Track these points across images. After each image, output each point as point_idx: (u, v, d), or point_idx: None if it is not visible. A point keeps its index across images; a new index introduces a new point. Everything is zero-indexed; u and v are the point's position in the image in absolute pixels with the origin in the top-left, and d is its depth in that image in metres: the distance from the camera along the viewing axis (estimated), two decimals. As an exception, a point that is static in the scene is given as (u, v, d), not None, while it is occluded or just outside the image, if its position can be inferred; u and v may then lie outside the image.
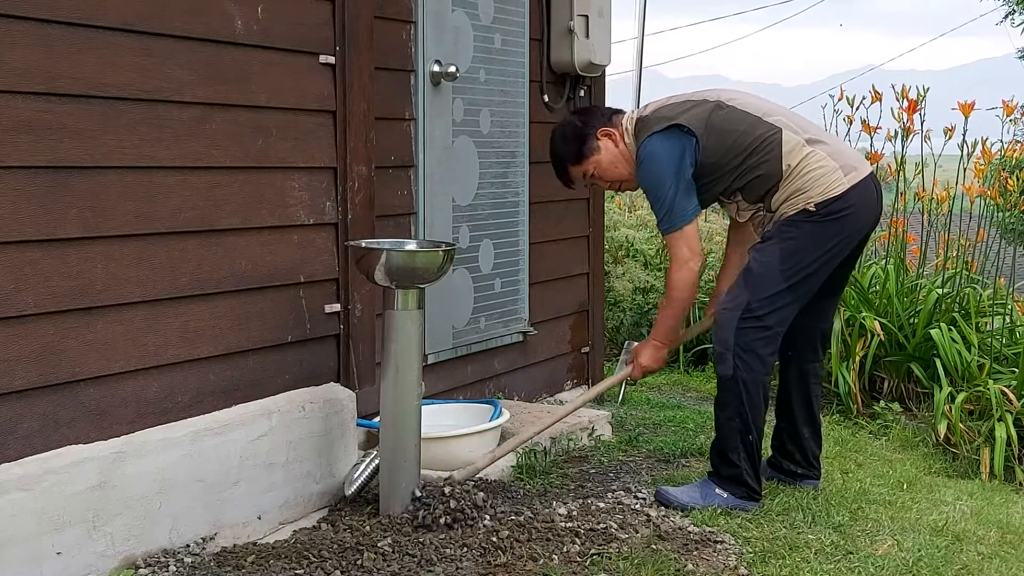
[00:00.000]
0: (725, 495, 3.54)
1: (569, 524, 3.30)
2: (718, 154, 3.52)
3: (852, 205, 3.49)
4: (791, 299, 3.51)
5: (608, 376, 4.02)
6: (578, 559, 3.06)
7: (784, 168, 3.49)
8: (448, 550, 3.06)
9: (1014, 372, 5.07)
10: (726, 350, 3.50)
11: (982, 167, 5.83)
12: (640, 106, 3.77)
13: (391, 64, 4.00)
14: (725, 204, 3.69)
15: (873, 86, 5.89)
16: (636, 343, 4.02)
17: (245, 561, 3.01)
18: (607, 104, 5.54)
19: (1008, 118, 5.91)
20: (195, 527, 3.10)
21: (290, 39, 3.41)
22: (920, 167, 5.96)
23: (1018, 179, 5.94)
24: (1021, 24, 17.27)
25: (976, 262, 5.80)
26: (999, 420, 4.74)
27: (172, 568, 2.93)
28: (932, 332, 5.19)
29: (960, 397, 4.88)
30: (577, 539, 3.18)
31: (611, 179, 3.76)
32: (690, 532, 3.29)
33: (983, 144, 5.82)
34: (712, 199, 3.67)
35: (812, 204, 3.47)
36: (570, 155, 3.75)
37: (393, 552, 3.05)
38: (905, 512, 3.72)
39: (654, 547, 3.14)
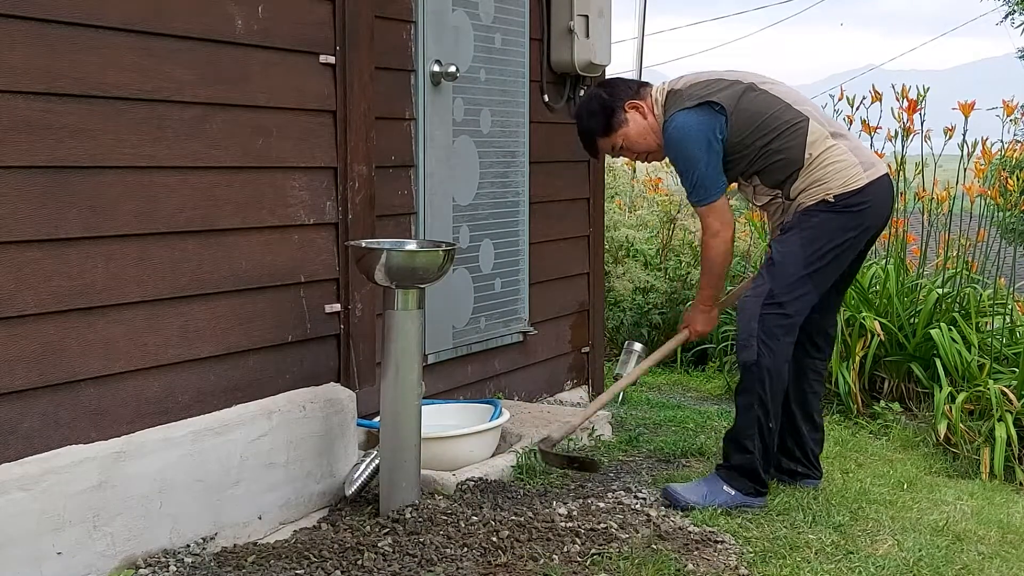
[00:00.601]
0: (732, 492, 3.55)
1: (569, 524, 3.30)
2: (744, 133, 3.57)
3: (869, 200, 3.56)
4: (810, 287, 3.57)
5: (612, 375, 4.04)
6: (578, 559, 3.06)
7: (806, 156, 3.55)
8: (448, 550, 3.06)
9: (1014, 372, 5.07)
10: (750, 336, 3.55)
11: (982, 167, 5.83)
12: (675, 78, 3.81)
13: (391, 64, 4.00)
14: (742, 187, 3.73)
15: (873, 86, 5.90)
16: (636, 343, 4.04)
17: (245, 561, 3.01)
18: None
19: (1008, 118, 5.91)
20: (195, 527, 3.10)
21: (290, 39, 3.41)
22: (920, 167, 5.96)
23: (1018, 179, 5.93)
24: (1021, 25, 17.25)
25: (976, 262, 5.80)
26: (999, 420, 4.74)
27: (172, 568, 2.93)
28: (932, 332, 5.19)
29: (960, 397, 4.88)
30: (577, 539, 3.18)
31: (640, 150, 3.81)
32: (690, 532, 3.29)
33: (983, 144, 5.83)
34: (731, 179, 3.70)
35: (831, 195, 3.53)
36: (598, 128, 3.79)
37: (393, 552, 3.05)
38: (905, 512, 3.72)
39: (654, 547, 3.14)
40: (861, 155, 3.62)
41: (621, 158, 4.04)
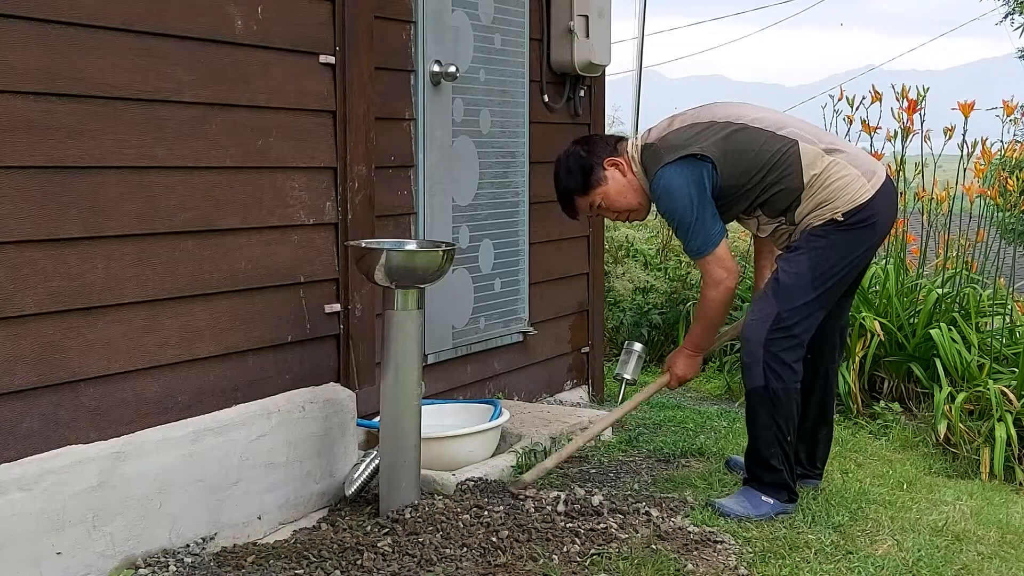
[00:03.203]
0: (772, 502, 3.53)
1: (569, 524, 3.30)
2: (736, 175, 3.48)
3: (877, 211, 3.49)
4: (819, 307, 3.51)
5: (636, 390, 4.01)
6: (578, 559, 3.06)
7: (806, 180, 3.46)
8: (448, 550, 3.06)
9: (1014, 372, 5.07)
10: (754, 361, 3.49)
11: (982, 167, 5.83)
12: (644, 131, 3.72)
13: (391, 64, 4.01)
14: (744, 220, 3.65)
15: (873, 86, 5.89)
16: (636, 343, 4.03)
17: (245, 561, 3.01)
18: (606, 104, 5.55)
19: (1008, 118, 5.92)
20: (195, 527, 3.10)
21: (290, 39, 3.41)
22: (920, 167, 5.96)
23: (1018, 179, 5.94)
24: (1019, 27, 17.24)
25: (976, 262, 5.80)
26: (999, 420, 4.74)
27: (172, 568, 2.93)
28: (932, 332, 5.19)
29: (960, 397, 4.88)
30: (577, 539, 3.18)
31: (619, 209, 3.70)
32: (690, 532, 3.29)
33: (983, 144, 5.83)
34: (731, 218, 3.62)
35: (839, 214, 3.45)
36: (576, 186, 3.67)
37: (393, 552, 3.05)
38: (905, 512, 3.72)
39: (654, 547, 3.14)
40: (861, 165, 3.52)
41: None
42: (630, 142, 3.69)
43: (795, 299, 3.47)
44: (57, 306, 2.78)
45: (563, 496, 3.61)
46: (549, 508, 3.44)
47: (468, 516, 3.32)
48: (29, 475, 2.67)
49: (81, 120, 2.82)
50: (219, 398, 3.24)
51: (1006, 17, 17.46)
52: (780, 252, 3.64)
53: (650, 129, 3.69)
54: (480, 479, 3.66)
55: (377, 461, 3.46)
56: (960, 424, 4.81)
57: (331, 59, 3.55)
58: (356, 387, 3.68)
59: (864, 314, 5.27)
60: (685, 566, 3.04)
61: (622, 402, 5.04)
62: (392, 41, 4.02)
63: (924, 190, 6.00)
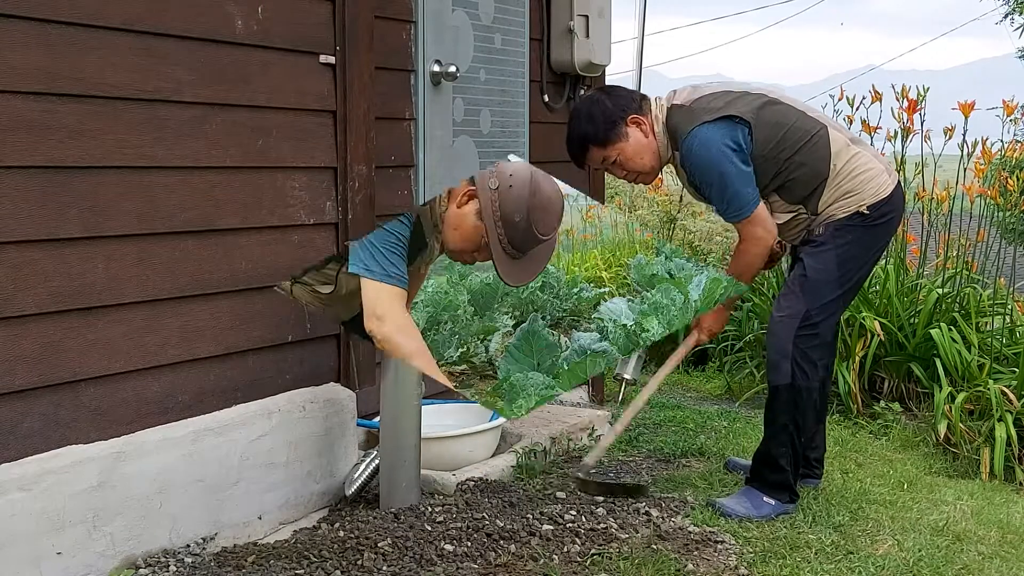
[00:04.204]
0: (773, 503, 3.53)
1: (569, 524, 3.30)
2: (767, 146, 3.43)
3: (895, 208, 3.50)
4: (842, 304, 3.53)
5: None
6: (578, 559, 3.06)
7: (831, 167, 3.44)
8: (448, 550, 3.06)
9: (1014, 372, 5.06)
10: (783, 358, 3.47)
11: (982, 167, 5.83)
12: (668, 93, 3.62)
13: (391, 64, 4.00)
14: None
15: (873, 86, 5.89)
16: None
17: (245, 561, 3.01)
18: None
19: (1008, 118, 5.91)
20: (195, 527, 3.10)
21: (290, 39, 3.41)
22: (920, 167, 5.95)
23: (1018, 179, 5.93)
24: (1019, 27, 17.27)
25: (976, 262, 5.80)
26: (999, 420, 4.74)
27: (172, 568, 2.93)
28: (932, 332, 5.19)
29: (960, 397, 4.88)
30: (577, 539, 3.18)
31: (631, 169, 3.59)
32: (690, 532, 3.30)
33: (983, 144, 5.82)
34: None
35: (865, 207, 3.44)
36: (595, 136, 3.54)
37: (393, 552, 3.06)
38: (905, 512, 3.72)
39: (654, 547, 3.14)
40: (881, 160, 3.54)
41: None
42: (654, 102, 3.59)
43: (823, 296, 3.46)
44: (57, 306, 2.78)
45: (563, 496, 3.61)
46: (549, 508, 3.45)
47: (468, 516, 3.32)
48: (29, 475, 2.67)
49: (81, 120, 2.82)
50: (219, 398, 3.24)
51: (1006, 17, 17.47)
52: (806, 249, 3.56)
53: (675, 91, 3.61)
54: (480, 479, 3.66)
55: (377, 461, 3.46)
56: (960, 424, 4.81)
57: (331, 59, 3.55)
58: (356, 387, 3.69)
59: (864, 314, 5.27)
60: (685, 566, 3.04)
61: (622, 402, 5.03)
62: (392, 41, 4.02)
63: (924, 190, 6.00)
